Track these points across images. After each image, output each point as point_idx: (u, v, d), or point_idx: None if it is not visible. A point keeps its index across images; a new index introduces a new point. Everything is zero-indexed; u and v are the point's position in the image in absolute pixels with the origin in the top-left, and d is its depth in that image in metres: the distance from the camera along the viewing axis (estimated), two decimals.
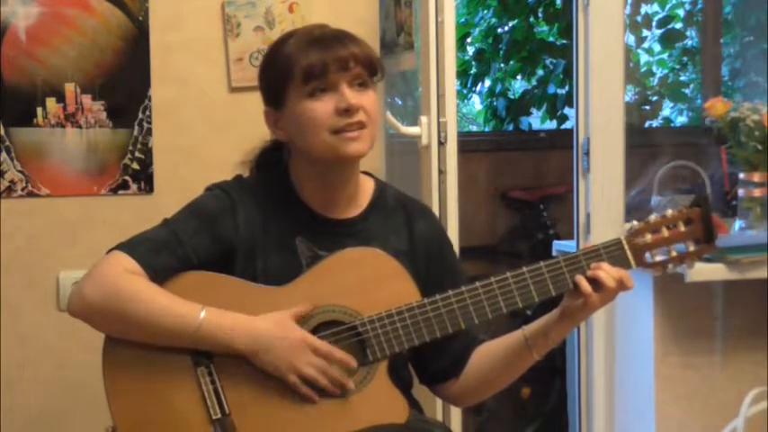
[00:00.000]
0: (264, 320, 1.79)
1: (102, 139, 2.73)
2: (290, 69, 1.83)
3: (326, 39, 1.84)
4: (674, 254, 1.85)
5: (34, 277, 2.71)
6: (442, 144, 2.63)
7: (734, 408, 2.74)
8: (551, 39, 5.04)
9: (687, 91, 5.03)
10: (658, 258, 1.85)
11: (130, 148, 2.74)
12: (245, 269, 1.86)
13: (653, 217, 1.86)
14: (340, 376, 1.79)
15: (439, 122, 2.62)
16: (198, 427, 1.79)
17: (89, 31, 2.70)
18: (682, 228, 1.85)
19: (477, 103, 5.68)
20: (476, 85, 5.16)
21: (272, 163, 1.97)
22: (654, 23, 4.98)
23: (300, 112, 1.83)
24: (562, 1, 4.87)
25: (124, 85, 2.72)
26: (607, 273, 1.80)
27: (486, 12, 5.09)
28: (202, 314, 1.77)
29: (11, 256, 2.69)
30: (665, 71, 5.10)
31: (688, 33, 5.06)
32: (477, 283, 1.83)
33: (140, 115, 2.74)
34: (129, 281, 1.79)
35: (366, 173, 1.98)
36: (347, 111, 1.81)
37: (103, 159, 2.73)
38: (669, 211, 1.86)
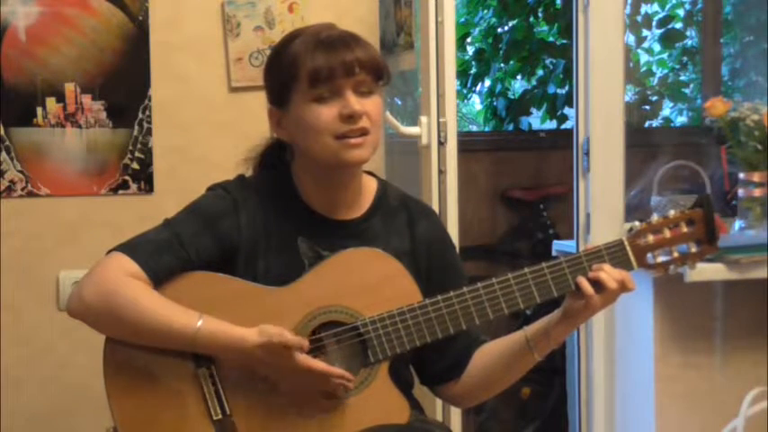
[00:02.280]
0: (259, 345, 1.75)
1: (102, 138, 2.73)
2: (296, 71, 1.82)
3: (333, 42, 1.83)
4: (676, 255, 1.85)
5: (34, 277, 2.71)
6: (441, 144, 2.63)
7: (734, 408, 2.74)
8: (551, 39, 5.04)
9: (687, 91, 5.03)
10: (660, 259, 1.85)
11: (130, 147, 2.74)
12: (247, 269, 1.85)
13: (655, 218, 1.86)
14: (339, 381, 1.78)
15: (439, 122, 2.62)
16: (199, 428, 1.78)
17: (89, 31, 2.70)
18: (684, 229, 1.85)
19: (477, 103, 5.68)
20: (476, 85, 5.16)
21: (275, 162, 1.97)
22: (654, 23, 4.97)
23: (304, 114, 1.83)
24: (562, 1, 4.86)
25: (124, 85, 2.73)
26: (608, 274, 1.79)
27: (486, 12, 5.08)
28: (199, 322, 1.76)
29: (11, 256, 2.69)
30: (665, 71, 5.10)
31: (688, 33, 5.06)
32: (479, 284, 1.83)
33: (140, 115, 2.74)
34: (128, 286, 1.78)
35: (369, 173, 1.98)
36: (351, 117, 1.81)
37: (103, 159, 2.73)
38: (671, 212, 1.86)
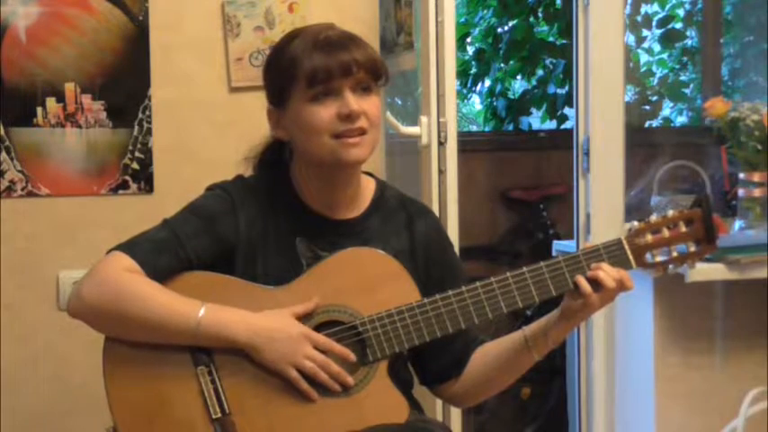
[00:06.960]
0: (264, 316, 1.80)
1: (102, 139, 2.73)
2: (294, 72, 1.83)
3: (331, 42, 1.83)
4: (674, 254, 1.85)
5: (34, 277, 2.71)
6: (441, 144, 2.63)
7: (734, 408, 2.74)
8: (551, 39, 5.04)
9: (687, 91, 5.03)
10: (659, 259, 1.85)
11: (130, 147, 2.74)
12: (246, 269, 1.86)
13: (653, 217, 1.86)
14: (340, 372, 1.79)
15: (439, 122, 2.62)
16: (198, 427, 1.78)
17: (89, 31, 2.70)
18: (682, 228, 1.85)
19: (477, 103, 5.68)
20: (476, 85, 5.16)
21: (274, 162, 1.97)
22: (654, 23, 4.98)
23: (302, 114, 1.83)
24: (562, 1, 4.87)
25: (124, 85, 2.73)
26: (607, 273, 1.79)
27: (486, 12, 5.09)
28: (202, 310, 1.77)
29: (11, 256, 2.69)
30: (665, 71, 5.10)
31: (688, 33, 5.06)
32: (478, 283, 1.83)
33: (140, 115, 2.74)
34: (129, 280, 1.79)
35: (367, 173, 1.98)
36: (349, 117, 1.81)
37: (103, 159, 2.73)
38: (670, 212, 1.86)
